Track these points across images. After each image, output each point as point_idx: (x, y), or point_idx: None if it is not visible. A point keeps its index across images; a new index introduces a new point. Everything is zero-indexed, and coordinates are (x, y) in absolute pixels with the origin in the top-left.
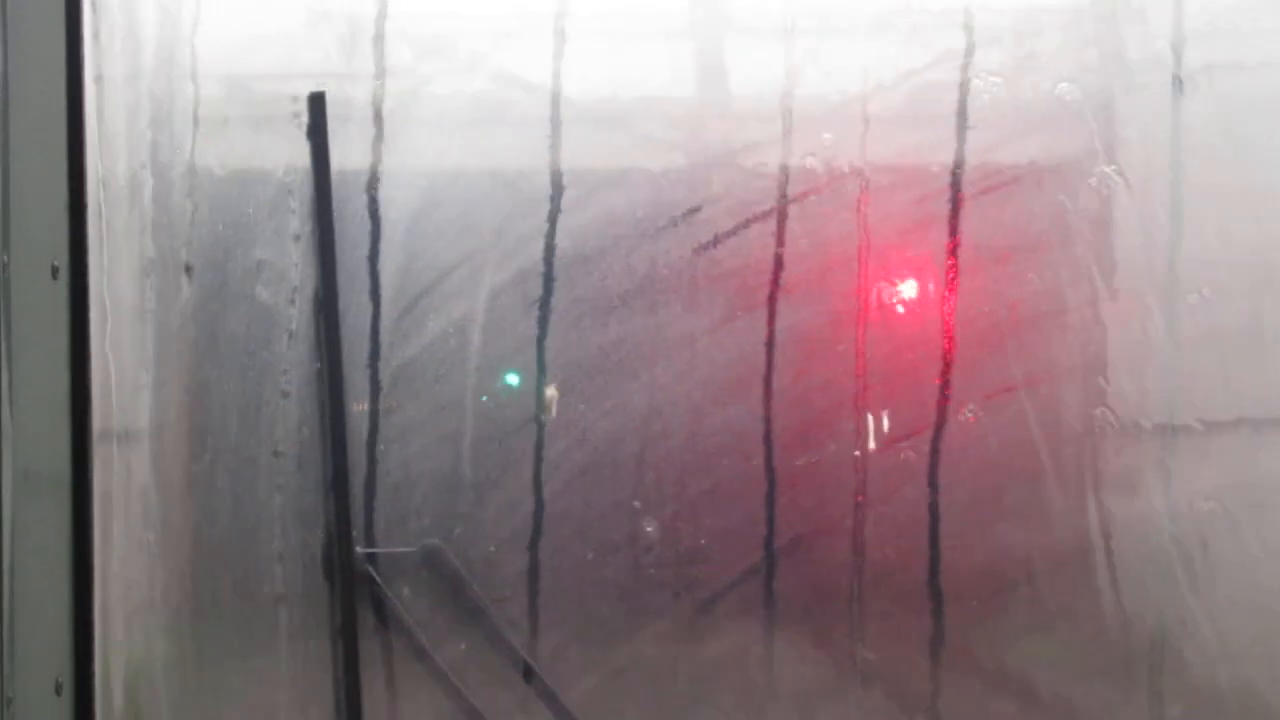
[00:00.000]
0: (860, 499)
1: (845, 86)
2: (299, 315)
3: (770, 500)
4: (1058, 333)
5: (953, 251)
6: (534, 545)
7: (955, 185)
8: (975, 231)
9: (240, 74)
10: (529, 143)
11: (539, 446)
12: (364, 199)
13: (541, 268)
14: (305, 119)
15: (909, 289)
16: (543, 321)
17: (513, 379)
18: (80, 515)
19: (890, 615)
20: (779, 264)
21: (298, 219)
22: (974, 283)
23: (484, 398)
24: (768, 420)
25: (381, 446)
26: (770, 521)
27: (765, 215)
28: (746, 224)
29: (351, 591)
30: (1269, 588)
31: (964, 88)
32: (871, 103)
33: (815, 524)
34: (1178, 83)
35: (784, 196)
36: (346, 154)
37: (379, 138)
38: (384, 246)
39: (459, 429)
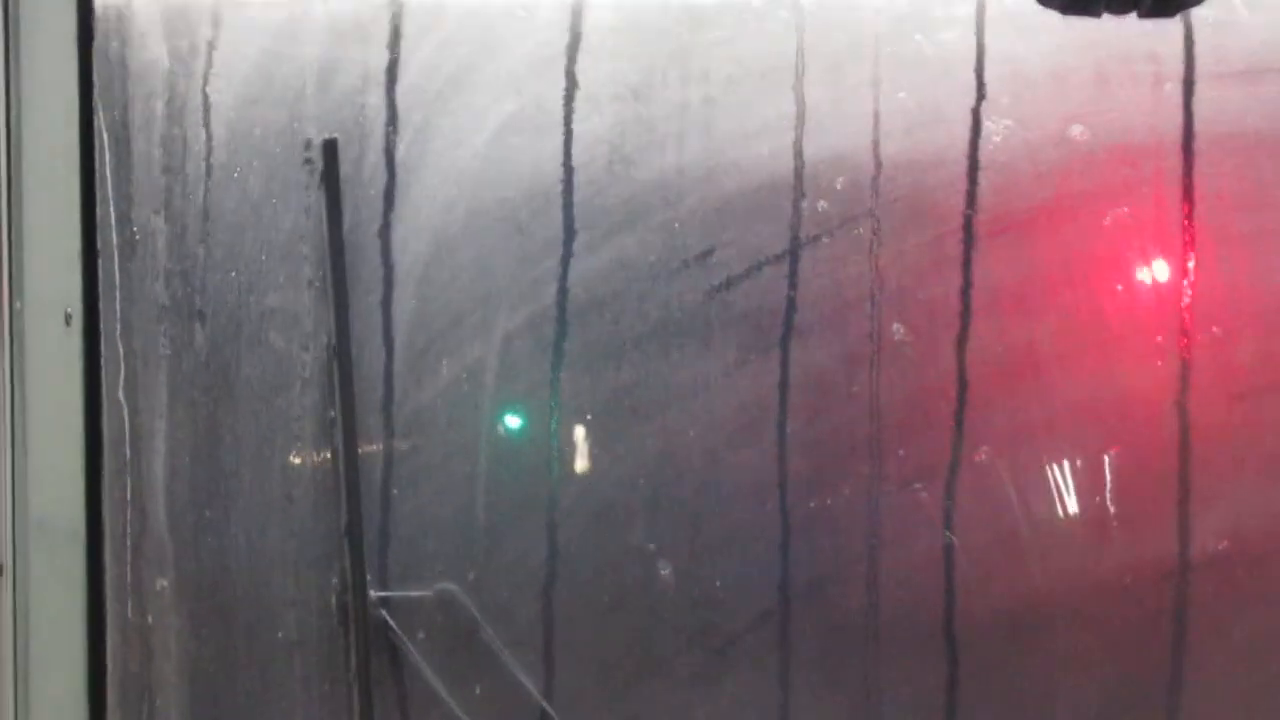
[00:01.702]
0: (874, 541)
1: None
2: (312, 361)
3: (784, 543)
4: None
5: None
6: (548, 589)
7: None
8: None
9: (253, 121)
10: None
11: (553, 490)
12: (377, 244)
13: (554, 311)
14: (318, 165)
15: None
16: (555, 365)
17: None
18: (94, 561)
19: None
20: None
21: (310, 265)
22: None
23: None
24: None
25: (395, 491)
26: (784, 565)
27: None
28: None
29: (366, 636)
30: None
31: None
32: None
33: (829, 567)
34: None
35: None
36: (359, 199)
37: (392, 184)
38: (397, 292)
39: (472, 473)
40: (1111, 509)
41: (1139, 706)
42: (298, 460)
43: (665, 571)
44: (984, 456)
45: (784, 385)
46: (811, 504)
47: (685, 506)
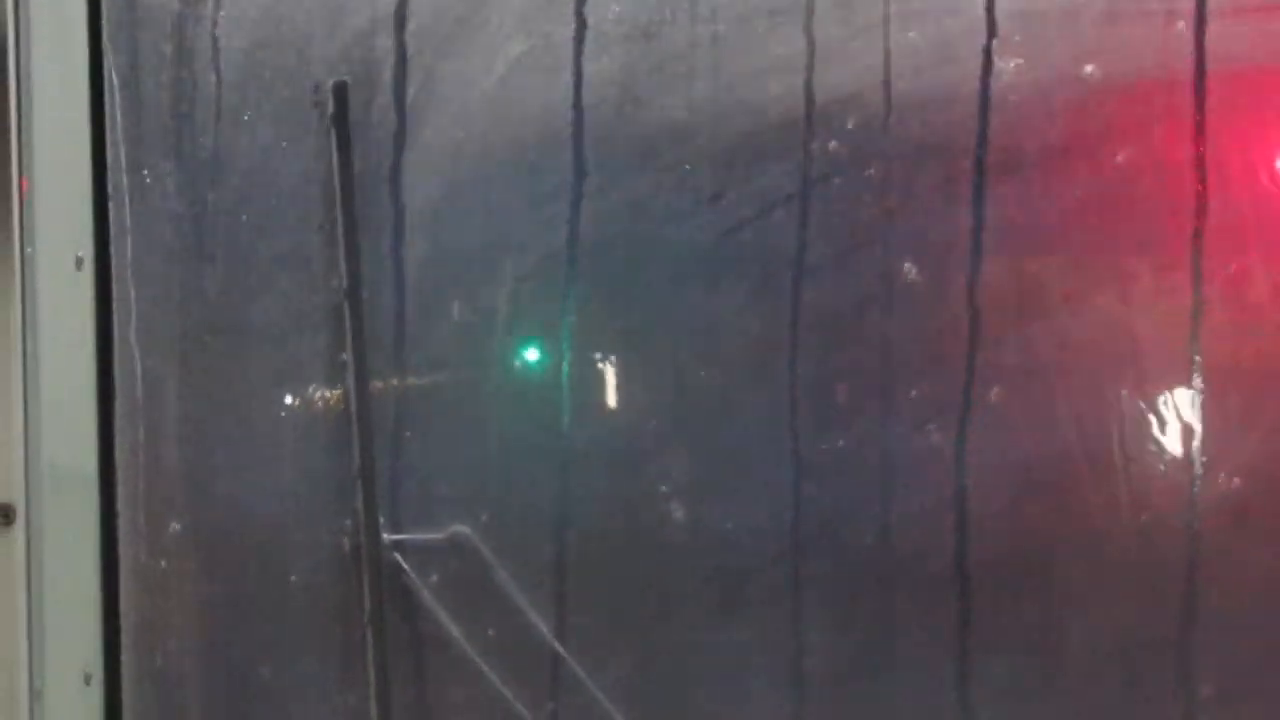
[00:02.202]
0: (887, 483)
1: None
2: (323, 304)
3: (796, 484)
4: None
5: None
6: (560, 532)
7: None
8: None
9: (262, 64)
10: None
11: (565, 433)
12: (387, 187)
13: (565, 253)
14: (328, 108)
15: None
16: (566, 307)
17: (539, 363)
18: (106, 505)
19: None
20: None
21: (320, 208)
22: None
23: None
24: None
25: (407, 434)
26: (796, 506)
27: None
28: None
29: (379, 579)
30: None
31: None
32: None
33: (842, 508)
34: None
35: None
36: (369, 142)
37: (402, 126)
38: (407, 235)
39: (485, 416)
40: (1124, 448)
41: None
42: (310, 403)
43: (678, 514)
44: (996, 397)
45: (795, 326)
46: (824, 445)
47: (697, 449)
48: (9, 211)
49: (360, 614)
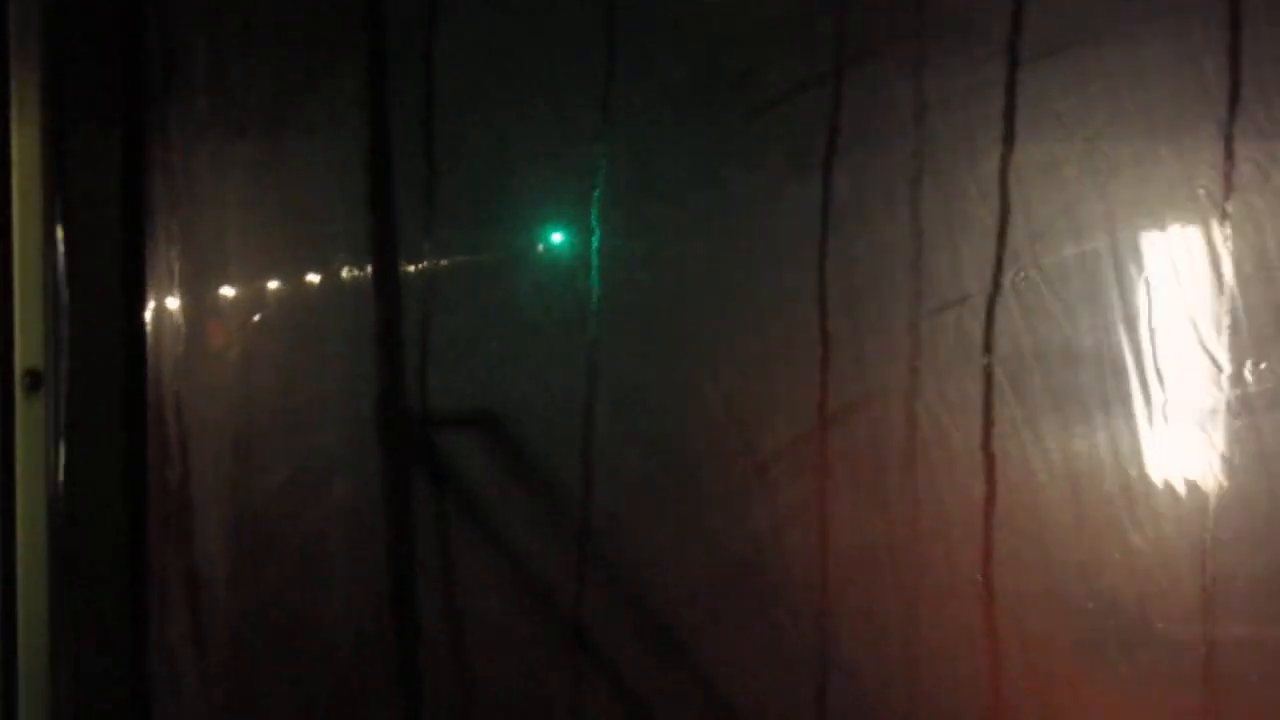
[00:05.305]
0: (916, 365)
1: None
2: (357, 176)
3: (825, 361)
4: None
5: None
6: (589, 406)
7: None
8: None
9: None
10: None
11: (593, 309)
12: (421, 55)
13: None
14: None
15: None
16: (594, 183)
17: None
18: (132, 375)
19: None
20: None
21: (354, 83)
22: None
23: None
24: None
25: (437, 305)
26: (824, 385)
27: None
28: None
29: (405, 453)
30: None
31: None
32: None
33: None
34: None
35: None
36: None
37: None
38: (436, 109)
39: (514, 288)
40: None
41: None
42: (336, 276)
43: (708, 387)
44: (1025, 273)
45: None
46: (850, 320)
47: (725, 326)
48: None
49: (384, 487)
